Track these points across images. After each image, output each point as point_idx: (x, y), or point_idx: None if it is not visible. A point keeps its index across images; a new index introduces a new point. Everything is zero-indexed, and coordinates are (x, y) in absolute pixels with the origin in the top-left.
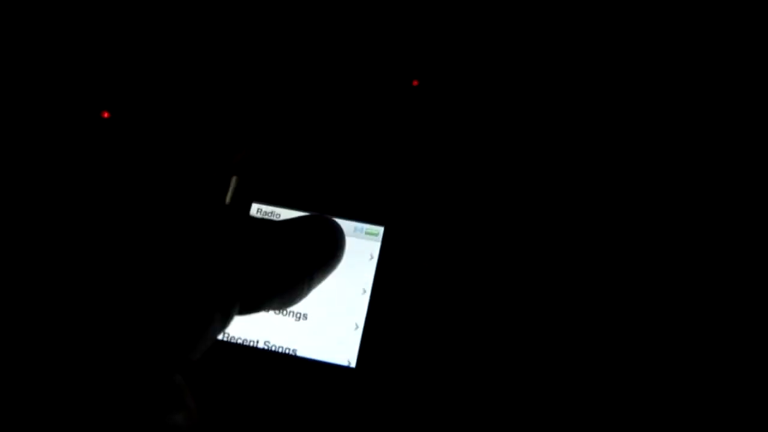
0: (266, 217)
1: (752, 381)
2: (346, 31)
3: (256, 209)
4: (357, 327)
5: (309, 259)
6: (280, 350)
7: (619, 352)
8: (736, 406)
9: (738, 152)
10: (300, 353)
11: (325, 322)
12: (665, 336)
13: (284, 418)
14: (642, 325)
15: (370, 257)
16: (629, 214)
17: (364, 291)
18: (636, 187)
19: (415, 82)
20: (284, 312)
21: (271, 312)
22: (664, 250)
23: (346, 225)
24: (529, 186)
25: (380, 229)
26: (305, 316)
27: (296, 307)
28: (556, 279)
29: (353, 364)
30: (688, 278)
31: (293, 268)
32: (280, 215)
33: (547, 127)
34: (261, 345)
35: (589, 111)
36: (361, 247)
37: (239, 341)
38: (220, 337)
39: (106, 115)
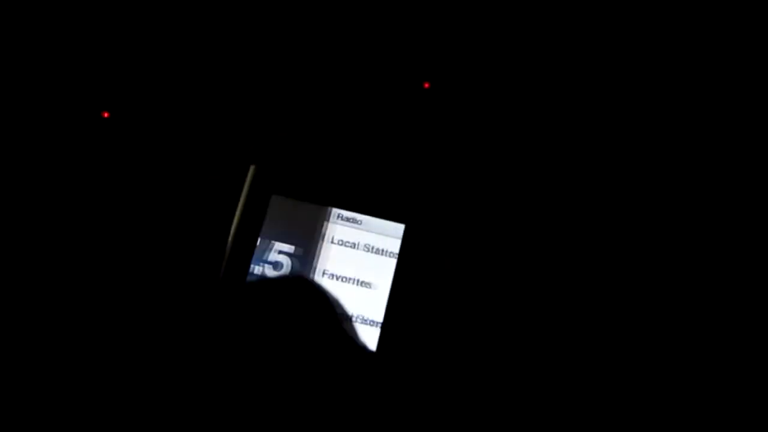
0: (285, 211)
1: (751, 381)
2: (371, 33)
3: (276, 201)
4: (377, 320)
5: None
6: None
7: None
8: (736, 406)
9: (733, 153)
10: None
11: (348, 314)
12: (675, 339)
13: (306, 399)
14: (663, 329)
15: (390, 254)
16: (640, 215)
17: (385, 286)
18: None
19: (426, 85)
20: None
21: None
22: (685, 262)
23: (366, 221)
24: (546, 186)
25: (401, 227)
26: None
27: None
28: (571, 276)
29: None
30: (689, 279)
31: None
32: (296, 209)
33: (561, 127)
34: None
35: (602, 110)
36: (382, 243)
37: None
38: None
39: (106, 115)
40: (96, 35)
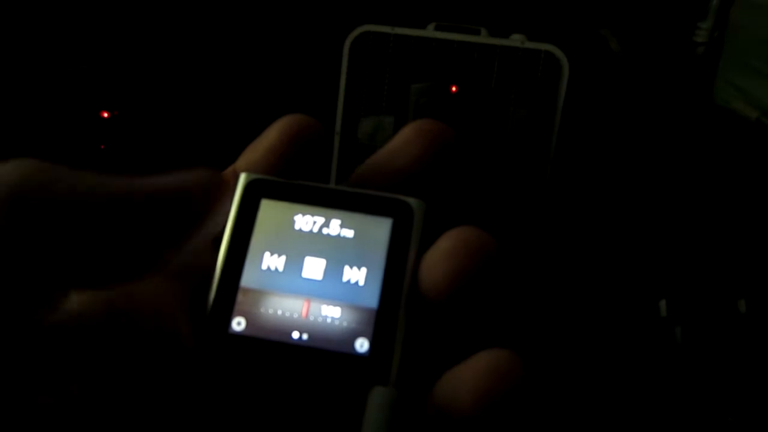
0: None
1: (752, 381)
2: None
3: (267, 205)
4: (370, 316)
5: None
6: (290, 339)
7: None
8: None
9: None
10: (311, 342)
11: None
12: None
13: (294, 408)
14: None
15: (379, 248)
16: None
17: (375, 281)
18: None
19: (454, 88)
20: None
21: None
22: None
23: (355, 217)
24: (550, 188)
25: (389, 221)
26: (317, 305)
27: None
28: (567, 278)
29: (366, 353)
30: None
31: None
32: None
33: (575, 132)
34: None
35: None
36: (371, 236)
37: (250, 334)
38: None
39: (106, 114)
40: (97, 35)
